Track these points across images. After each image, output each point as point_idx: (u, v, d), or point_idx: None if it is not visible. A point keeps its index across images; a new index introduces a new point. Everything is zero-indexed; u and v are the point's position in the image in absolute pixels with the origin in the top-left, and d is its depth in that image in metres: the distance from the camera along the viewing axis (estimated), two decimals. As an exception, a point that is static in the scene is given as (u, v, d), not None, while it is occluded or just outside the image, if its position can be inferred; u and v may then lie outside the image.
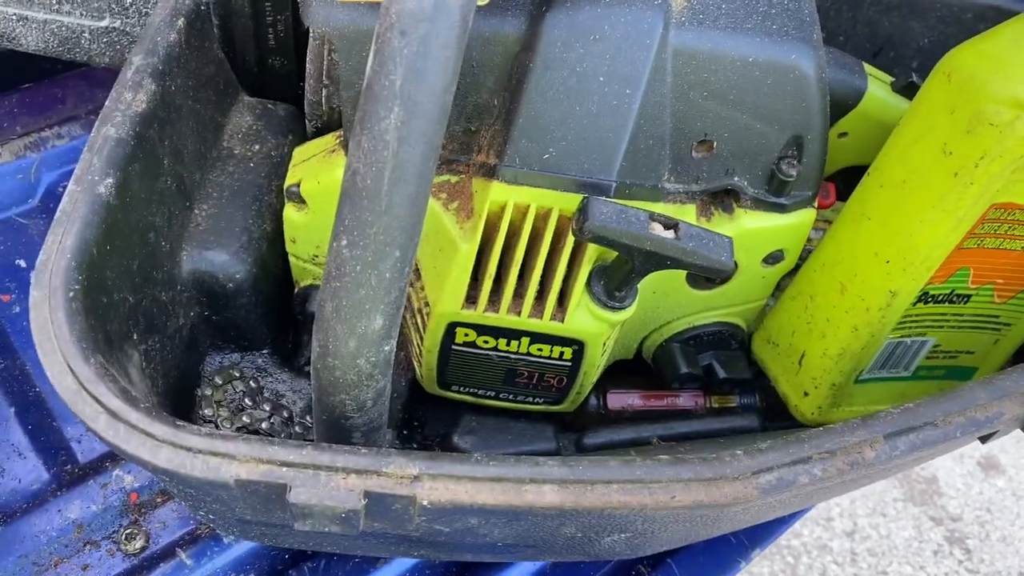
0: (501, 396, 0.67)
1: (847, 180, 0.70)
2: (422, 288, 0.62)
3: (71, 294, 0.51)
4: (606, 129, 0.57)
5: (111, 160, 0.57)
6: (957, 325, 0.67)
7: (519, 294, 0.59)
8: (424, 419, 0.73)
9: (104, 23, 0.76)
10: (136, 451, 0.46)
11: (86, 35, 0.77)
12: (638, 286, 0.61)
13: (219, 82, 0.71)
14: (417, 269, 0.63)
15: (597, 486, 0.48)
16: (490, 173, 0.58)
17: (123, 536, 0.67)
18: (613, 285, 0.59)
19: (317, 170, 0.62)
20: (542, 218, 0.58)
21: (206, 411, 0.63)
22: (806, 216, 0.64)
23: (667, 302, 0.67)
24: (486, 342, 0.61)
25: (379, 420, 0.52)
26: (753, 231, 0.63)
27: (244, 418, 0.64)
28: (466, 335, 0.61)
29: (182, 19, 0.65)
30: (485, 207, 0.58)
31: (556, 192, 0.57)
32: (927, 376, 0.70)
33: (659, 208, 0.61)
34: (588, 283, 0.59)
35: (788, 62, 0.58)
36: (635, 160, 0.58)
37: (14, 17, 0.75)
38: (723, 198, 0.64)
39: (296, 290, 0.70)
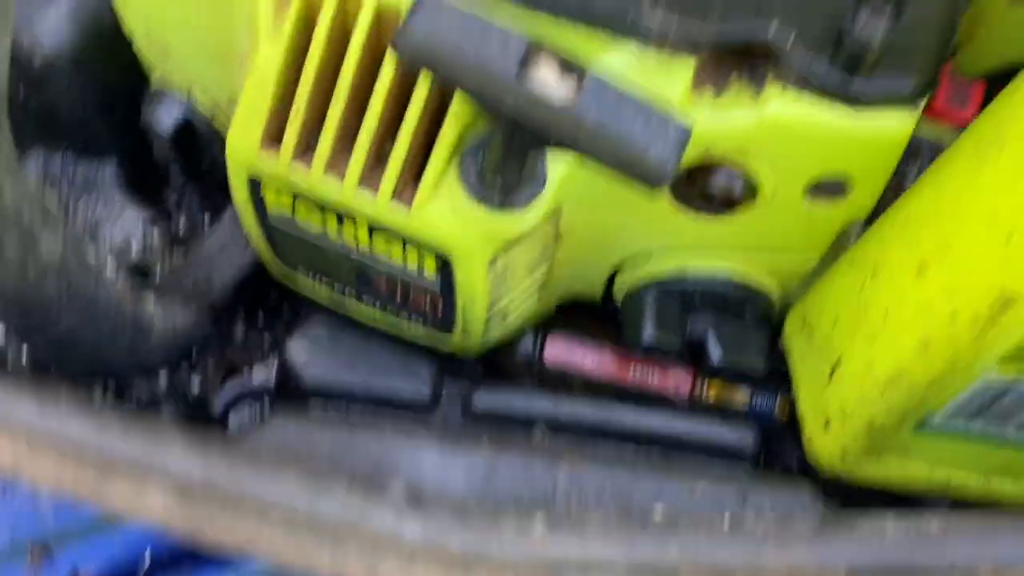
0: (364, 299, 0.45)
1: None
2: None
3: None
4: None
5: None
6: None
7: (349, 145, 0.36)
8: (299, 306, 0.52)
9: None
10: None
11: None
12: (552, 177, 0.36)
13: None
14: (245, 82, 0.41)
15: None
16: (326, -70, 0.34)
17: None
18: (488, 164, 0.34)
19: None
20: (389, 18, 0.34)
21: None
22: (898, 124, 0.36)
23: (638, 222, 0.41)
24: (308, 219, 0.39)
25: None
26: (793, 129, 0.36)
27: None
28: (278, 199, 0.39)
29: None
30: (300, -13, 0.34)
31: (412, -22, 0.33)
32: (1060, 449, 0.41)
33: (628, 52, 0.35)
34: (460, 155, 0.35)
35: None
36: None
37: None
38: (753, 60, 0.36)
39: (147, 91, 0.50)
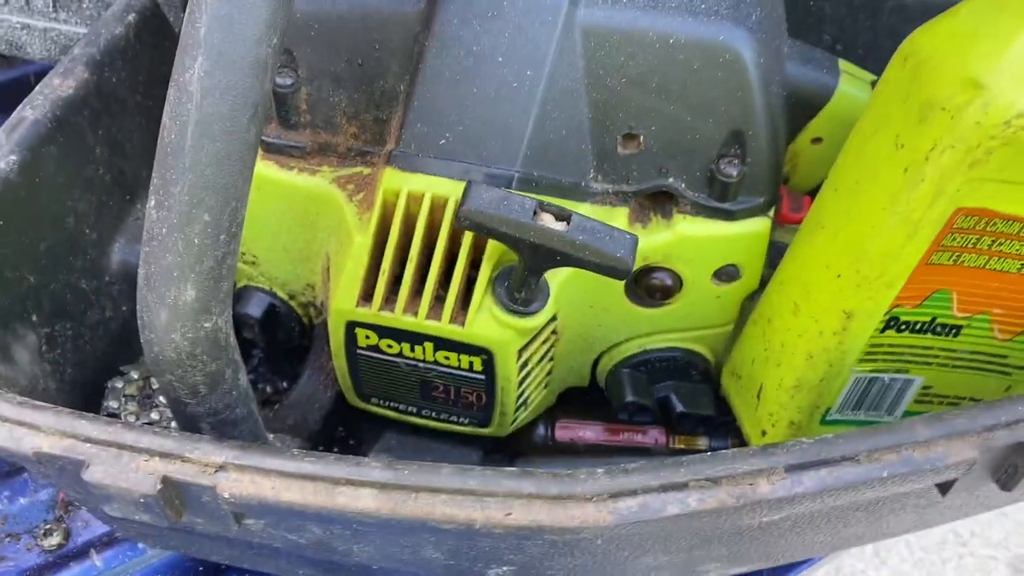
0: (423, 413, 0.62)
1: (830, 195, 0.62)
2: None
3: (-62, 259, 0.50)
4: (506, 114, 0.52)
5: (21, 139, 0.57)
6: (949, 363, 0.56)
7: (420, 293, 0.55)
8: (361, 437, 0.68)
9: (97, 31, 0.79)
10: (-53, 415, 0.45)
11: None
12: (552, 291, 0.55)
13: (183, 83, 0.71)
14: (329, 269, 0.60)
15: (421, 495, 0.42)
16: (389, 160, 0.54)
17: (42, 531, 0.66)
18: (514, 285, 0.53)
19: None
20: (439, 209, 0.54)
21: (111, 403, 0.62)
22: (759, 226, 0.57)
23: (609, 319, 0.61)
24: (389, 346, 0.57)
25: (227, 413, 0.48)
26: (694, 239, 0.56)
27: (153, 414, 0.62)
28: (367, 337, 0.56)
29: (133, 15, 0.66)
30: (379, 196, 0.54)
31: (452, 181, 0.53)
32: (921, 425, 0.60)
33: (585, 209, 0.55)
34: (492, 284, 0.54)
35: (716, 43, 0.51)
36: (545, 151, 0.53)
37: (18, 25, 0.79)
38: (662, 202, 0.57)
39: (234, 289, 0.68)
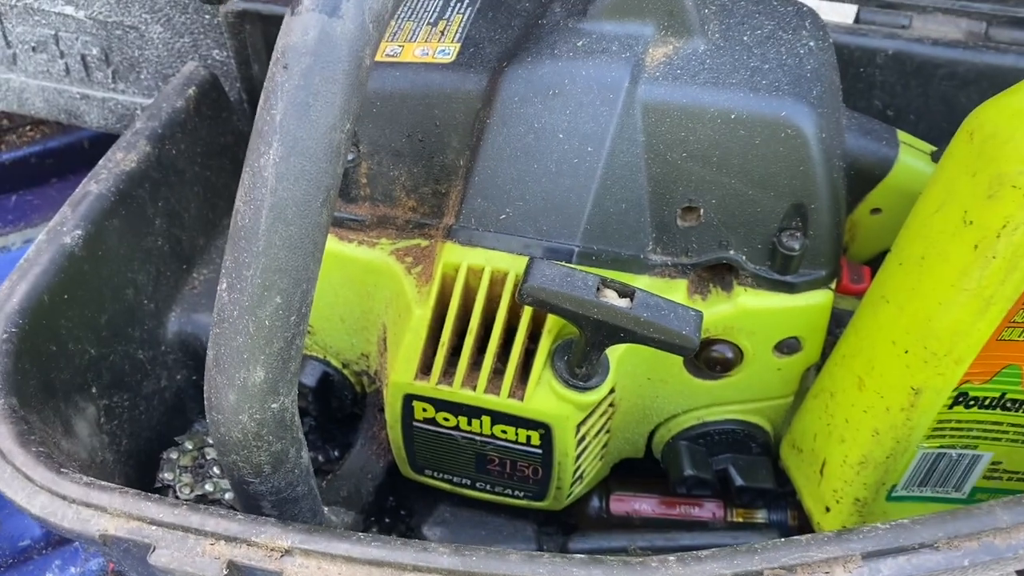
0: (478, 486, 0.61)
1: (889, 264, 0.61)
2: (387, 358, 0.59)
3: (5, 335, 0.51)
4: (566, 189, 0.52)
5: (86, 214, 0.58)
6: (1019, 439, 0.55)
7: (478, 366, 0.54)
8: (412, 508, 0.68)
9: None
10: (14, 495, 0.45)
11: (139, 112, 0.81)
12: (611, 365, 0.54)
13: (238, 153, 0.72)
14: (386, 339, 0.60)
15: (490, 581, 0.41)
16: (449, 234, 0.55)
17: (93, 602, 0.66)
18: (575, 361, 0.53)
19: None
20: (499, 283, 0.53)
21: (166, 474, 0.61)
22: (821, 298, 0.56)
23: (666, 391, 0.60)
24: (446, 419, 0.56)
25: (289, 492, 0.48)
26: (755, 312, 0.56)
27: (207, 486, 0.62)
28: (424, 410, 0.56)
29: (193, 88, 0.67)
30: (439, 269, 0.54)
31: (512, 255, 0.53)
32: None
33: (644, 281, 0.55)
34: (551, 358, 0.54)
35: (778, 119, 0.51)
36: (604, 225, 0.53)
37: (77, 95, 0.81)
38: (722, 274, 0.57)
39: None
